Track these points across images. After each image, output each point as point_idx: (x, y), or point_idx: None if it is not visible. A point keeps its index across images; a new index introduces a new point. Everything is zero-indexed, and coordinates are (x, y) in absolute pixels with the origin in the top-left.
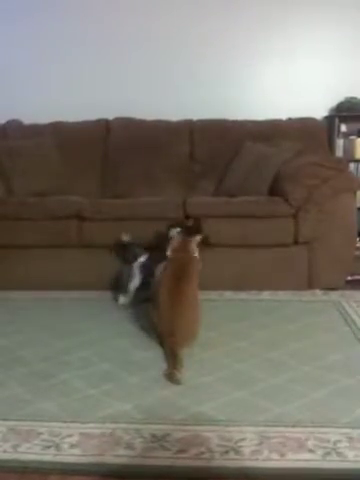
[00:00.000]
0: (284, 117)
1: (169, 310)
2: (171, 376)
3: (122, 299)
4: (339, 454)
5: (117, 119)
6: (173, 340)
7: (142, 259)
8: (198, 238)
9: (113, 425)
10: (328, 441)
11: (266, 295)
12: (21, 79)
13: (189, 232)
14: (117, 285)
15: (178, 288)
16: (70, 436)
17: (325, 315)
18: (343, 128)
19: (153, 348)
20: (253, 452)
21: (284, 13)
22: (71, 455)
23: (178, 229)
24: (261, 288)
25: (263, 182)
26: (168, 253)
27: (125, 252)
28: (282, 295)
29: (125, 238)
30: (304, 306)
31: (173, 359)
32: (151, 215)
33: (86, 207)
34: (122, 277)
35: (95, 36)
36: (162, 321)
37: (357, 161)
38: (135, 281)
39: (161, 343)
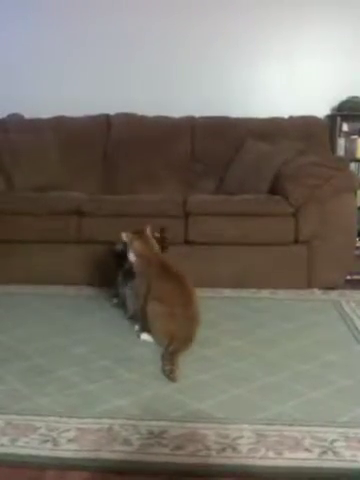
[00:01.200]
0: (286, 115)
1: (184, 311)
2: (171, 372)
3: (116, 300)
4: (336, 453)
5: (118, 114)
6: (188, 341)
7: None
8: (149, 230)
9: (110, 421)
10: (325, 440)
11: (265, 294)
12: (22, 73)
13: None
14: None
15: (186, 287)
16: (67, 431)
17: (324, 314)
18: (345, 127)
19: (151, 345)
20: (250, 450)
21: (287, 11)
22: (68, 450)
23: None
24: (260, 287)
25: (264, 181)
26: (132, 257)
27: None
28: (281, 294)
29: (119, 246)
30: (303, 305)
31: (176, 357)
32: (151, 212)
33: (86, 203)
34: (117, 282)
35: (97, 31)
36: (176, 322)
37: (358, 161)
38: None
39: (160, 340)
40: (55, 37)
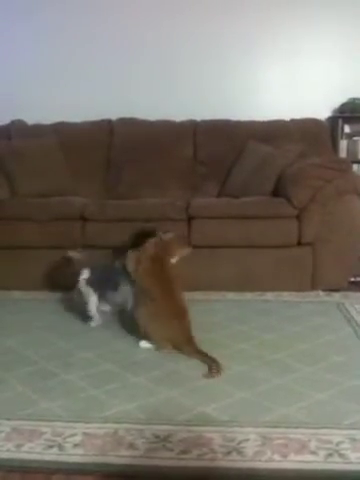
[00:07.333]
0: (287, 118)
1: (180, 318)
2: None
3: (93, 324)
4: (341, 456)
5: (120, 120)
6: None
7: (84, 276)
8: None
9: (116, 425)
10: (331, 443)
11: (269, 296)
12: (24, 80)
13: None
14: (80, 311)
15: (178, 294)
16: (73, 436)
17: (328, 316)
18: (347, 129)
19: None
20: (256, 453)
21: (287, 13)
22: (74, 455)
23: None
24: (264, 289)
25: (267, 183)
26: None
27: (69, 271)
28: (285, 296)
29: (73, 254)
30: (307, 307)
31: (205, 355)
32: (155, 216)
33: (89, 208)
34: (78, 302)
35: (99, 37)
36: (176, 328)
37: None
38: (92, 301)
39: (159, 344)
40: (56, 43)
